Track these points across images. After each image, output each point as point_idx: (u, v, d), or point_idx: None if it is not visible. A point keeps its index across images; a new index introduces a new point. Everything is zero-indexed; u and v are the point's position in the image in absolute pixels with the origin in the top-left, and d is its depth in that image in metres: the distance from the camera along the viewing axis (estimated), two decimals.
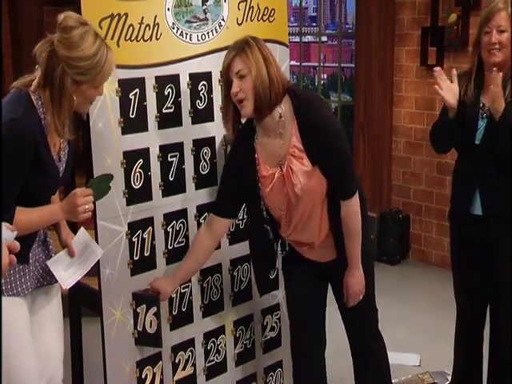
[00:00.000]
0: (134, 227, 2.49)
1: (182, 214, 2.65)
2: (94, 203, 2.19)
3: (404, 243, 5.06)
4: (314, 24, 7.99)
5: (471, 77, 2.75)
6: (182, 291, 2.69)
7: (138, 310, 2.51)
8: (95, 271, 2.39)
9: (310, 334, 2.70)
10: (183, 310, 2.70)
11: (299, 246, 2.59)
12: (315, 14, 8.82)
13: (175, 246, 2.64)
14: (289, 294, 2.74)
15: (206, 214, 2.70)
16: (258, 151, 2.44)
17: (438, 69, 2.69)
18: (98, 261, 2.36)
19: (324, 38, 5.97)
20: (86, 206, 2.10)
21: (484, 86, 2.72)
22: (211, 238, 2.55)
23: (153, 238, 2.56)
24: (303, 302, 2.67)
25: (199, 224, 2.70)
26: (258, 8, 2.79)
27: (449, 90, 2.65)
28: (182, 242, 2.66)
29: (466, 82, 2.75)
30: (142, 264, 2.52)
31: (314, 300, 2.68)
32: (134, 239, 2.50)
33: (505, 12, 2.62)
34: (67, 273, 2.25)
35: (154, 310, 2.51)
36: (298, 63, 6.42)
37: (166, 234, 2.61)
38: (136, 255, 2.51)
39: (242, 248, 2.87)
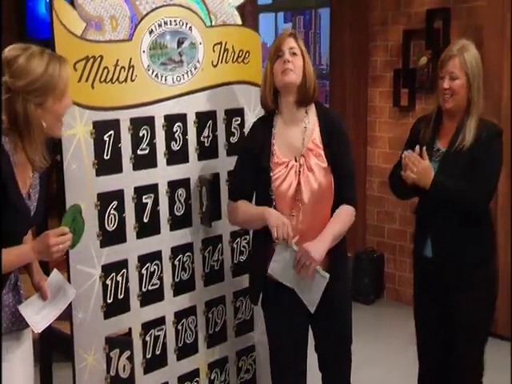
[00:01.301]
0: (107, 270, 2.45)
1: (156, 255, 2.62)
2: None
3: (379, 283, 5.05)
4: None
5: (430, 121, 2.75)
6: (157, 334, 2.64)
7: (111, 354, 2.46)
8: (67, 315, 2.33)
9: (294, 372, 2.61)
10: (157, 353, 2.65)
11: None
12: None
13: (149, 288, 2.60)
14: (273, 336, 2.63)
15: (181, 255, 2.68)
16: (275, 139, 2.51)
17: (405, 155, 2.61)
18: (70, 304, 2.31)
19: None
20: (60, 246, 2.06)
21: (441, 131, 2.72)
22: None
23: (127, 281, 2.52)
24: (288, 343, 2.57)
25: (174, 266, 2.67)
26: (233, 50, 2.82)
27: (421, 172, 2.57)
28: (157, 284, 2.63)
29: (425, 126, 2.75)
30: (115, 307, 2.48)
31: (298, 343, 2.59)
32: (108, 282, 2.46)
33: (457, 59, 2.61)
34: (39, 316, 2.19)
35: (127, 353, 2.46)
36: None
37: (141, 276, 2.58)
38: (109, 298, 2.46)
39: (217, 289, 2.84)
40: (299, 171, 2.46)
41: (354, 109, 5.13)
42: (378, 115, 5.07)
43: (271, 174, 2.47)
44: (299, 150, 2.49)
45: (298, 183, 2.46)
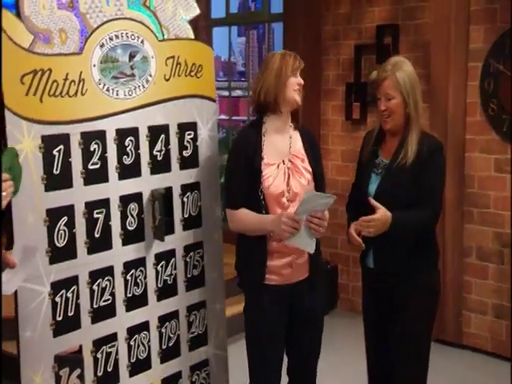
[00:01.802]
0: (57, 287, 2.38)
1: (108, 271, 2.57)
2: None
3: (332, 294, 5.07)
4: (243, 79, 8.08)
5: (373, 136, 2.79)
6: (108, 350, 2.57)
7: (61, 372, 2.39)
8: (13, 335, 2.25)
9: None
10: (109, 370, 2.58)
11: (283, 256, 2.62)
12: (244, 69, 8.95)
13: (101, 304, 2.54)
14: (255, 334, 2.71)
15: (133, 270, 2.63)
16: (265, 144, 2.65)
17: (354, 227, 2.62)
18: (17, 323, 2.22)
19: None
20: (3, 193, 1.95)
21: (384, 145, 2.75)
22: None
23: (77, 297, 2.46)
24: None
25: (126, 281, 2.62)
26: (186, 64, 2.79)
27: (378, 227, 2.53)
28: (109, 299, 2.57)
29: (369, 140, 2.79)
30: (65, 324, 2.41)
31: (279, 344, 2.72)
32: (58, 299, 2.38)
33: (389, 80, 2.61)
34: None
35: (77, 372, 2.39)
36: (227, 117, 6.48)
37: (92, 292, 2.51)
38: (59, 315, 2.39)
39: (171, 304, 2.80)
40: (288, 173, 2.63)
41: (307, 122, 5.10)
42: (330, 128, 5.10)
43: (262, 174, 2.59)
44: (286, 155, 2.67)
45: (288, 184, 2.61)
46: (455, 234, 4.34)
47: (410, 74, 2.65)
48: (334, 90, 5.06)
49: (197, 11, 2.85)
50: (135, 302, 2.66)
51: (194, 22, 2.89)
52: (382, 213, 2.52)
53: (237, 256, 2.77)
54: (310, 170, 2.70)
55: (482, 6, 4.16)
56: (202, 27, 5.85)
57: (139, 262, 2.67)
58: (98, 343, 2.54)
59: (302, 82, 2.72)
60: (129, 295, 2.63)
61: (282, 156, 2.67)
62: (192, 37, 2.85)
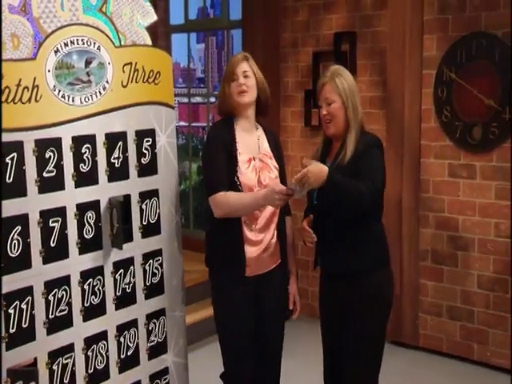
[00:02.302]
0: (10, 298, 2.29)
1: (64, 280, 2.49)
2: None
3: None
4: (202, 85, 8.04)
5: (319, 149, 2.84)
6: (65, 362, 2.49)
7: None
8: None
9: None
10: (65, 382, 2.50)
11: (255, 244, 2.72)
12: (203, 75, 8.90)
13: (57, 314, 2.46)
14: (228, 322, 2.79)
15: (91, 279, 2.56)
16: (237, 138, 2.76)
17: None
18: None
19: (212, 99, 6.01)
20: None
21: (331, 150, 2.78)
22: None
23: (32, 308, 2.37)
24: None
25: (83, 290, 2.55)
26: (143, 71, 2.74)
27: (313, 172, 2.47)
28: (65, 309, 2.49)
29: (317, 154, 2.84)
30: (19, 337, 2.32)
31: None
32: (11, 311, 2.29)
33: (329, 85, 2.69)
34: None
35: None
36: (187, 124, 6.40)
37: (47, 302, 2.43)
38: (12, 328, 2.30)
39: (129, 312, 2.74)
40: (259, 170, 2.76)
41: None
42: (290, 135, 5.09)
43: (237, 163, 2.70)
44: (256, 153, 2.79)
45: (258, 179, 2.74)
46: (411, 238, 4.37)
47: (348, 80, 2.72)
48: (293, 96, 5.05)
49: (154, 17, 2.81)
50: (93, 312, 2.59)
51: (152, 29, 2.86)
52: (314, 164, 2.50)
53: (209, 248, 2.80)
54: (277, 166, 2.85)
55: (434, 16, 4.21)
56: (161, 33, 5.79)
57: (97, 271, 2.60)
58: (54, 355, 2.45)
59: (242, 81, 2.73)
60: (86, 305, 2.56)
61: (253, 153, 2.78)
62: (150, 43, 2.81)
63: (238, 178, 2.69)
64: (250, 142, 2.80)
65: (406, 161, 4.32)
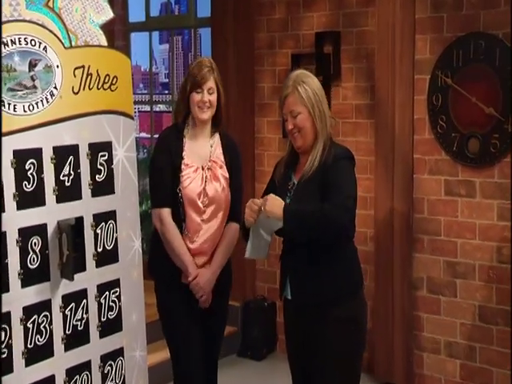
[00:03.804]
0: None
1: (4, 318, 2.43)
2: None
3: (270, 334, 5.01)
4: (167, 91, 8.04)
5: (282, 161, 2.93)
6: None
7: None
8: None
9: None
10: None
11: (199, 255, 3.06)
12: (167, 80, 8.91)
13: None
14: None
15: (36, 316, 2.52)
16: (186, 146, 3.06)
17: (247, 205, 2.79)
18: None
19: None
20: None
21: (298, 166, 2.86)
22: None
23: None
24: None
25: (26, 329, 2.53)
26: (98, 75, 2.76)
27: (270, 202, 2.70)
28: (4, 352, 2.46)
29: (280, 165, 2.94)
30: None
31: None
32: None
33: (291, 96, 2.77)
34: None
35: None
36: (149, 135, 6.36)
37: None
38: None
39: (81, 354, 2.72)
40: (205, 179, 3.03)
41: (240, 140, 5.08)
42: (266, 147, 5.09)
43: (181, 174, 3.00)
44: (205, 161, 3.07)
45: (204, 189, 3.01)
46: (404, 264, 4.37)
47: (312, 86, 2.79)
48: (269, 104, 5.06)
49: (110, 14, 2.83)
50: (37, 354, 2.58)
51: (107, 27, 2.90)
52: (273, 195, 2.73)
53: (152, 252, 3.20)
54: (227, 176, 3.10)
55: (427, 14, 4.26)
56: (118, 32, 5.79)
57: (43, 306, 2.59)
58: None
59: (206, 99, 3.01)
60: (30, 346, 2.54)
61: (202, 161, 3.08)
62: (105, 44, 2.83)
63: (180, 190, 3.00)
64: (200, 149, 3.09)
65: (398, 177, 4.34)
